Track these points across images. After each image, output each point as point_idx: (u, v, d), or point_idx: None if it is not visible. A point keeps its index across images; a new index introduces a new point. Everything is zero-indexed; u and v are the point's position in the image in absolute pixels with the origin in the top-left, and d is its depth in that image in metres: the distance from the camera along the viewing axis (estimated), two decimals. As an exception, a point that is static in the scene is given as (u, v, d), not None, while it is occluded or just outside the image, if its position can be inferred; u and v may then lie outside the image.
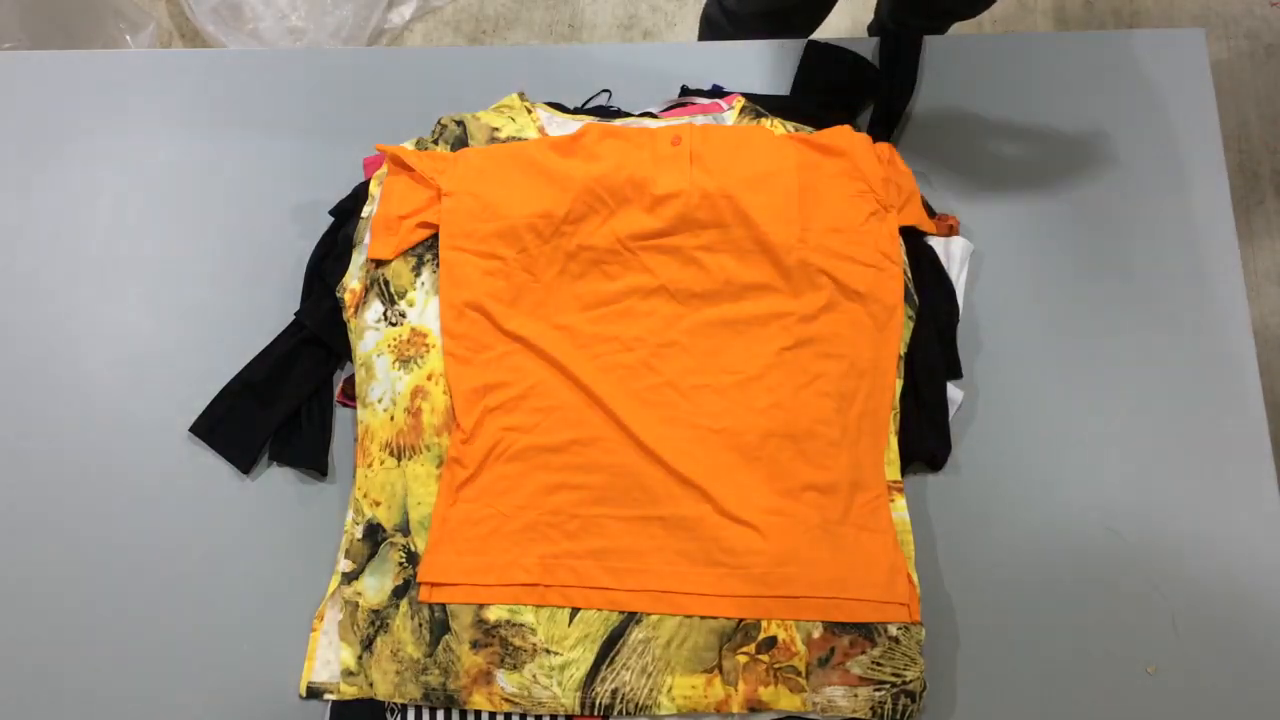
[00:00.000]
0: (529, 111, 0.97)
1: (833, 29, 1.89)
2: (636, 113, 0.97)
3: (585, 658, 0.78)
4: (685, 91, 0.99)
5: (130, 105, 1.03)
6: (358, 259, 0.91)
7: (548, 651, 0.78)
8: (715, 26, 1.44)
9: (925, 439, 0.85)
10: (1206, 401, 0.87)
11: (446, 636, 0.79)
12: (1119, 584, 0.82)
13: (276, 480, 0.89)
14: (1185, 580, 0.82)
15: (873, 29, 1.47)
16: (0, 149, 1.02)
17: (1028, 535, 0.84)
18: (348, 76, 1.04)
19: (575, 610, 0.80)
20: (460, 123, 0.95)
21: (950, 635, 0.82)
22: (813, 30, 1.41)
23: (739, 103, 0.96)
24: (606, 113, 0.98)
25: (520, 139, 0.94)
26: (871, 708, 0.76)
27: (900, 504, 0.83)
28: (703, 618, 0.79)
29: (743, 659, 0.78)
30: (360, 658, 0.80)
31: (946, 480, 0.86)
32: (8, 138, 1.02)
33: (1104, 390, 0.88)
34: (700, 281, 0.88)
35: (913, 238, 0.91)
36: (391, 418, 0.86)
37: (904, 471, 0.84)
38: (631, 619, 0.79)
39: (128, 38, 1.77)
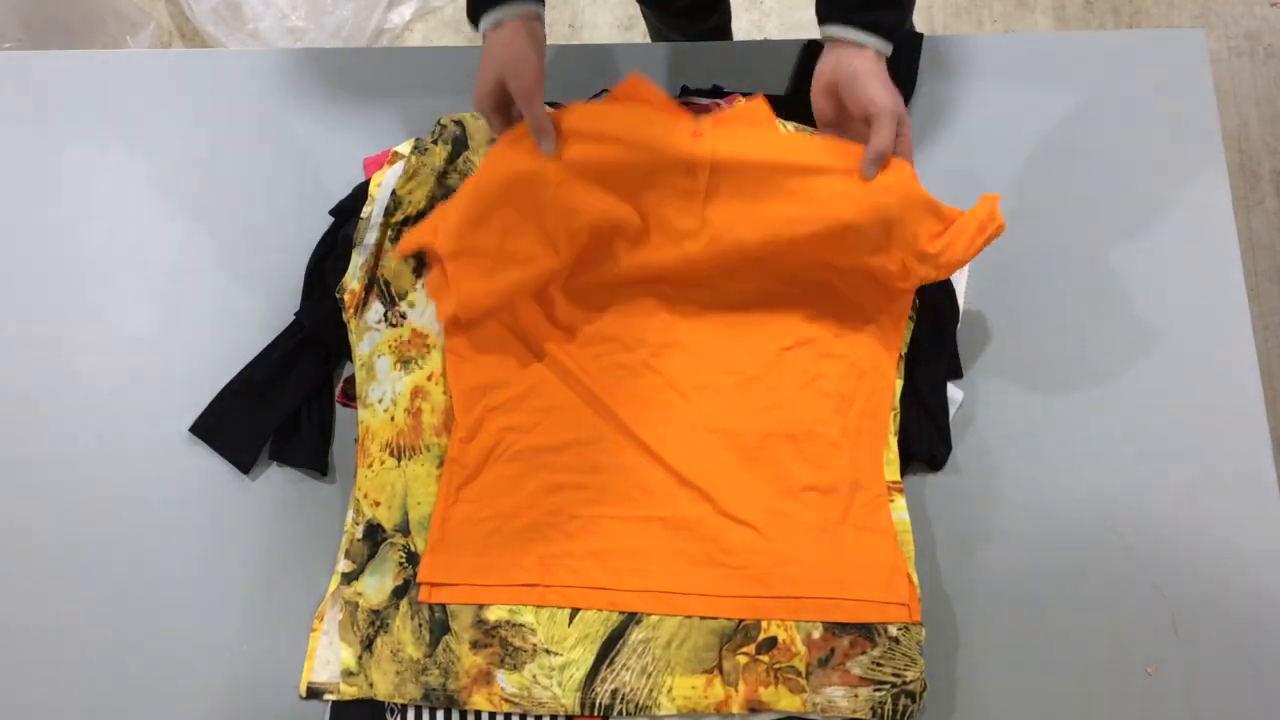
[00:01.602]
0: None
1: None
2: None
3: (585, 658, 0.78)
4: (685, 91, 0.99)
5: (130, 105, 1.03)
6: (357, 259, 0.91)
7: (548, 652, 0.78)
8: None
9: (925, 439, 0.85)
10: (1206, 401, 0.87)
11: (446, 637, 0.79)
12: (1119, 584, 0.82)
13: (276, 480, 0.89)
14: (1185, 580, 0.82)
15: None
16: (1, 149, 1.02)
17: (1028, 535, 0.84)
18: (348, 76, 1.03)
19: (575, 610, 0.80)
20: (459, 123, 0.95)
21: (950, 635, 0.82)
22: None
23: (740, 102, 0.95)
24: (606, 113, 0.97)
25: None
26: (872, 708, 0.76)
27: (900, 504, 0.83)
28: (703, 618, 0.79)
29: (743, 659, 0.78)
30: (360, 658, 0.80)
31: (946, 480, 0.86)
32: (8, 138, 1.02)
33: (1104, 390, 0.88)
34: (700, 285, 0.88)
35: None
36: (392, 418, 0.86)
37: (904, 471, 0.84)
38: (631, 619, 0.79)
39: (128, 38, 1.77)
